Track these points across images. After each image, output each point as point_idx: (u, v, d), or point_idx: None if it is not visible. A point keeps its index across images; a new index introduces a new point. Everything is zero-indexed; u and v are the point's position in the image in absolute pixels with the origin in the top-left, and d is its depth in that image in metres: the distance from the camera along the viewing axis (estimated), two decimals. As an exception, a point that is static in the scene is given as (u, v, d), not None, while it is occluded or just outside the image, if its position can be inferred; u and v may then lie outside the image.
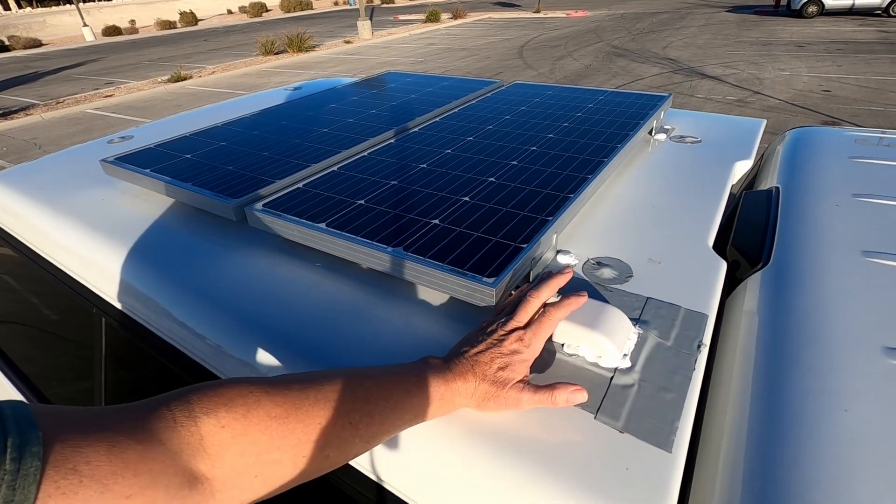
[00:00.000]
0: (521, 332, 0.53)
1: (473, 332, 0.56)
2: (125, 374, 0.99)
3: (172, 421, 0.35)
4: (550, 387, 0.49)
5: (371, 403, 0.44)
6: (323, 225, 0.74)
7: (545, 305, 0.57)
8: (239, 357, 0.65)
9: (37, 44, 21.17)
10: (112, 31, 23.33)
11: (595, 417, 0.49)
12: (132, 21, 25.88)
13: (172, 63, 13.54)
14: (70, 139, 7.47)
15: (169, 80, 10.89)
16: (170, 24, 25.28)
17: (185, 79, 10.97)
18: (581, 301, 0.56)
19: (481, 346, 0.51)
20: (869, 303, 0.60)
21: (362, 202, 0.81)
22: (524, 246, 0.67)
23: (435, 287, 0.64)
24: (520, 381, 0.49)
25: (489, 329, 0.54)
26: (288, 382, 0.42)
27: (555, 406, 0.49)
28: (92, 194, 1.07)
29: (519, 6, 24.23)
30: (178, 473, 0.33)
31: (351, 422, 0.42)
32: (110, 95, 10.06)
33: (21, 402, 0.30)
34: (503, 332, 0.53)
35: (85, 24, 21.79)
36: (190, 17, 26.11)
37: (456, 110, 1.28)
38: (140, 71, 13.01)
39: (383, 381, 0.46)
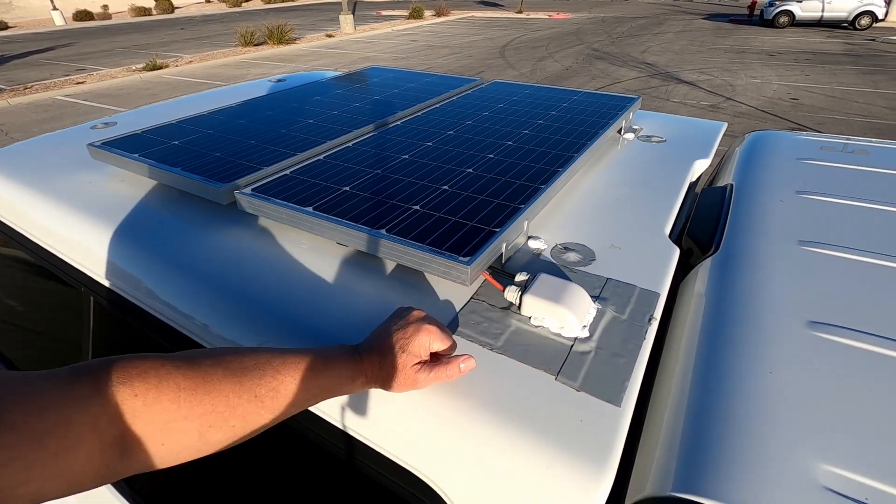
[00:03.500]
0: (425, 323, 0.56)
1: (386, 320, 0.59)
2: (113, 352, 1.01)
3: (94, 388, 0.38)
4: (444, 363, 0.54)
5: (277, 380, 0.48)
6: (310, 209, 0.79)
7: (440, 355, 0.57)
8: (225, 336, 0.69)
9: (2, 26, 20.32)
10: (84, 15, 22.56)
11: (556, 379, 0.55)
12: (105, 6, 25.07)
13: (147, 51, 13.20)
14: (39, 126, 7.23)
15: (144, 69, 10.62)
16: (145, 11, 24.59)
17: (161, 67, 10.72)
18: (470, 366, 0.56)
19: (387, 333, 0.56)
20: (799, 284, 0.68)
21: (347, 189, 0.86)
22: (497, 230, 0.72)
23: (414, 266, 0.69)
24: (417, 363, 0.54)
25: (398, 316, 0.58)
26: (199, 357, 0.46)
27: (451, 379, 0.54)
28: (78, 178, 1.08)
29: (502, 6, 24.38)
30: (96, 437, 0.37)
31: (256, 395, 0.46)
32: (82, 82, 9.76)
33: None
34: (410, 320, 0.56)
35: (55, 8, 21.00)
36: (166, 5, 25.42)
37: (437, 105, 1.34)
38: (113, 58, 12.63)
39: (291, 361, 0.50)
